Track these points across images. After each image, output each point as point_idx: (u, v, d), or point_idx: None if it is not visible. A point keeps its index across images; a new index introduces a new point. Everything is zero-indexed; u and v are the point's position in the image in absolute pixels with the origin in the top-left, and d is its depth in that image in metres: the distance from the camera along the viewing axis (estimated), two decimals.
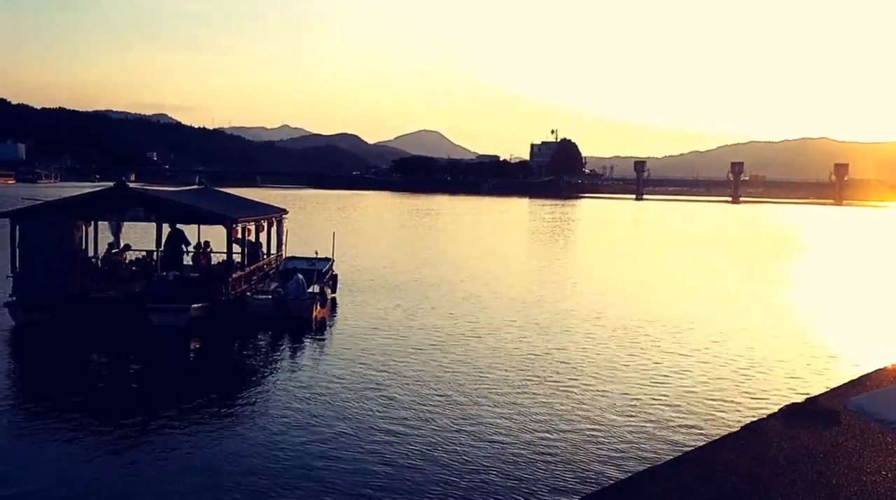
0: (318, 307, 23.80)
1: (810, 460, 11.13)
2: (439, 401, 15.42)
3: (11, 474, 11.33)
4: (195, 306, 21.54)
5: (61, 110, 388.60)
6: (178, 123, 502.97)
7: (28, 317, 21.22)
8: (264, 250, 28.81)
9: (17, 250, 21.77)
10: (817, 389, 16.52)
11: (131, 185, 24.91)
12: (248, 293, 24.08)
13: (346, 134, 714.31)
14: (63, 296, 21.52)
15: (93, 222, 24.58)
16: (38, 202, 23.32)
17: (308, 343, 21.15)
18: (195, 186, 32.11)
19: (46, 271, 21.51)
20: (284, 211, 30.95)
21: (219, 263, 24.71)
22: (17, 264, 21.79)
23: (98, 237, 25.49)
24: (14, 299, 21.58)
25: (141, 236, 26.32)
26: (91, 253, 24.65)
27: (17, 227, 21.82)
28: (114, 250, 25.11)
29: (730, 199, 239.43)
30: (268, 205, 31.75)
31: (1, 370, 17.32)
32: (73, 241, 22.11)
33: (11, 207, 23.93)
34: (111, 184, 23.70)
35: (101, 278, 23.84)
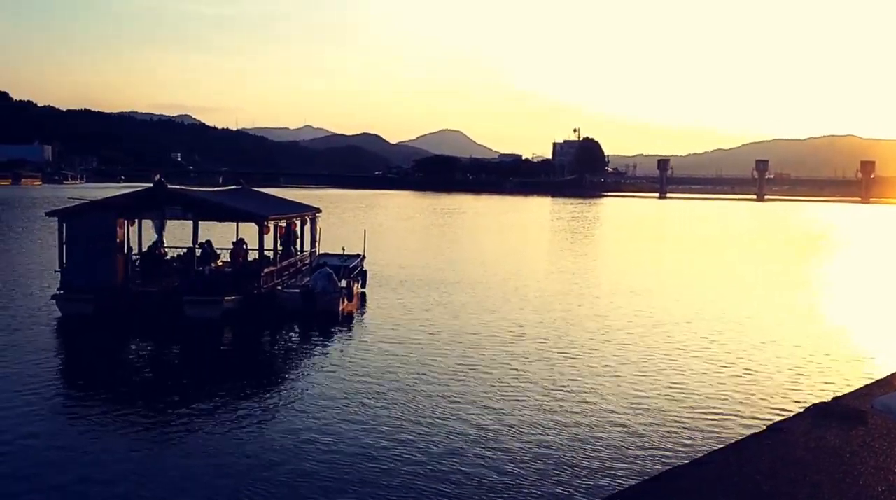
0: (346, 301, 24.48)
1: (836, 460, 10.95)
2: (462, 397, 15.55)
3: (51, 459, 11.88)
4: (228, 298, 22.47)
5: (87, 112, 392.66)
6: (202, 124, 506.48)
7: (74, 309, 22.35)
8: (297, 246, 29.69)
9: (65, 246, 23.03)
10: (843, 388, 16.41)
11: None
12: (279, 287, 24.83)
13: (368, 134, 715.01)
14: (106, 289, 22.57)
15: (136, 221, 25.61)
16: (83, 202, 24.29)
17: (333, 336, 21.74)
18: (234, 187, 33.06)
19: (91, 266, 22.64)
20: (318, 210, 31.88)
21: (254, 259, 25.48)
22: (64, 260, 22.99)
23: (142, 234, 26.53)
24: (61, 291, 22.76)
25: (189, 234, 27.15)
26: (135, 250, 25.70)
27: (65, 225, 23.09)
28: (157, 247, 26.07)
29: (755, 197, 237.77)
30: (302, 204, 32.63)
31: (47, 358, 18.29)
32: (115, 238, 23.07)
33: (57, 207, 24.91)
34: (137, 185, 24.68)
35: (142, 272, 24.83)
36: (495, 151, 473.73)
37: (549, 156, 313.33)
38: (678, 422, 14.38)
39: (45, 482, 11.05)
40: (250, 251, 25.82)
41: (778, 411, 14.98)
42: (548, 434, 13.52)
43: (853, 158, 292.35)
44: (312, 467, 11.78)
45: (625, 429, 13.90)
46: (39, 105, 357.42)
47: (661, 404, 15.54)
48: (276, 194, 35.06)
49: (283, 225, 27.77)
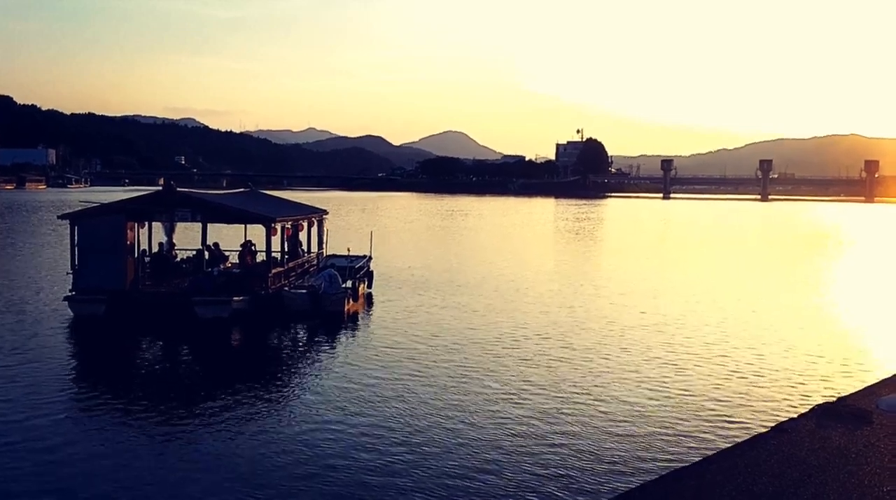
0: (351, 301, 24.78)
1: (841, 460, 11.02)
2: (467, 399, 15.59)
3: (61, 459, 12.07)
4: (237, 299, 22.84)
5: (91, 116, 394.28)
6: (206, 127, 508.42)
7: (85, 309, 22.74)
8: (304, 247, 30.02)
9: (76, 248, 23.38)
10: (848, 388, 16.45)
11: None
12: (286, 288, 25.12)
13: (371, 136, 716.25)
14: (117, 290, 22.90)
15: (146, 223, 25.95)
16: (94, 205, 24.62)
17: (339, 336, 22.04)
18: (242, 190, 33.40)
19: (102, 268, 22.97)
20: (325, 212, 32.22)
21: (262, 260, 25.76)
22: (76, 261, 23.33)
23: (152, 237, 26.92)
24: (73, 293, 23.12)
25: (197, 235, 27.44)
26: (147, 251, 25.99)
27: (76, 227, 23.44)
28: (167, 249, 26.39)
29: (759, 197, 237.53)
30: (309, 206, 33.00)
31: (60, 359, 18.67)
32: (125, 240, 23.36)
33: (63, 211, 25.23)
34: (141, 188, 25.05)
35: (152, 273, 25.14)
36: (499, 153, 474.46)
37: (553, 157, 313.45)
38: (683, 423, 14.38)
39: (56, 482, 11.21)
40: (258, 253, 26.10)
41: (783, 412, 14.98)
42: (553, 436, 13.51)
43: (857, 157, 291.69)
44: (319, 468, 11.89)
45: (630, 430, 13.89)
46: (43, 109, 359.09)
47: (666, 404, 15.53)
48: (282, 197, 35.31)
49: (290, 226, 28.08)
